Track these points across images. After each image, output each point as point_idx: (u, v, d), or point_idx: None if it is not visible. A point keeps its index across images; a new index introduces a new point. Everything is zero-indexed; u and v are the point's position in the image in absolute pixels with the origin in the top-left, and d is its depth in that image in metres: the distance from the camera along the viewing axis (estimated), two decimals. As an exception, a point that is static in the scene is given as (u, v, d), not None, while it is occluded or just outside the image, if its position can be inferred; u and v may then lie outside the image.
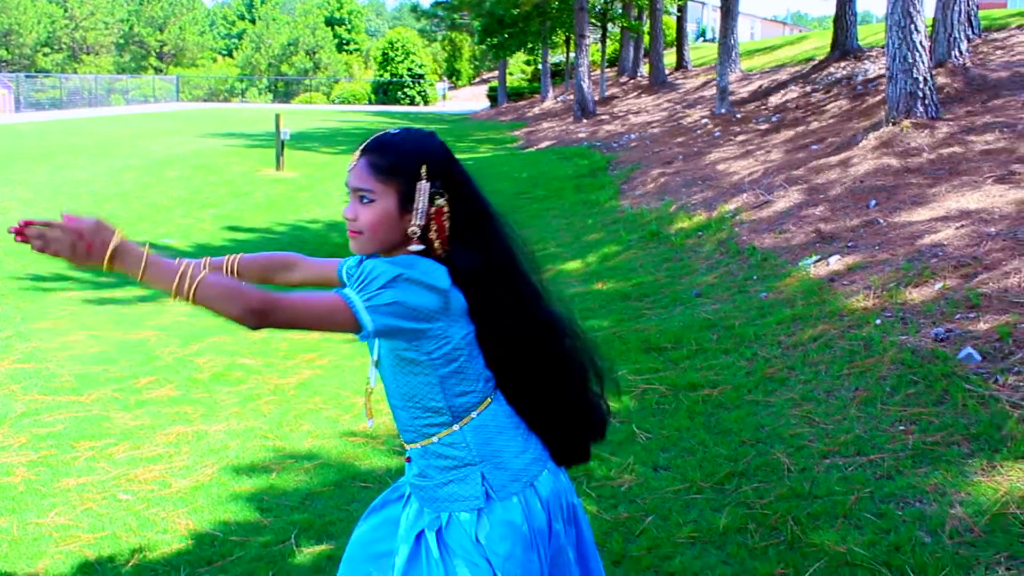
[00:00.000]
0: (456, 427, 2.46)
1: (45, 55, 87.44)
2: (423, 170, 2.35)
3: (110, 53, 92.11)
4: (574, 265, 10.89)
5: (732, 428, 5.44)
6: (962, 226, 7.58)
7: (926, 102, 11.09)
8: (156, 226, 15.24)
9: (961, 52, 14.12)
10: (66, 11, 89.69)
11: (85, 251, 2.14)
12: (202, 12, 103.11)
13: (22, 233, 2.16)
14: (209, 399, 6.58)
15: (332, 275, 2.76)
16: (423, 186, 2.34)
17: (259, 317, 2.18)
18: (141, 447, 5.68)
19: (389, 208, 2.35)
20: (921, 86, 11.06)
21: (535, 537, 2.44)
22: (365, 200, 2.35)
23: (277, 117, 22.43)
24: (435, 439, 2.47)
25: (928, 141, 10.39)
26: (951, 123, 10.85)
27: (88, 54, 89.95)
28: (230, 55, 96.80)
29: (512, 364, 2.48)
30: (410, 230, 2.35)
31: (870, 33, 25.89)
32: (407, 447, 2.55)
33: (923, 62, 10.99)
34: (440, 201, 2.36)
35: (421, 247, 2.36)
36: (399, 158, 2.36)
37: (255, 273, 2.83)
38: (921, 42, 10.98)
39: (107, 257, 2.14)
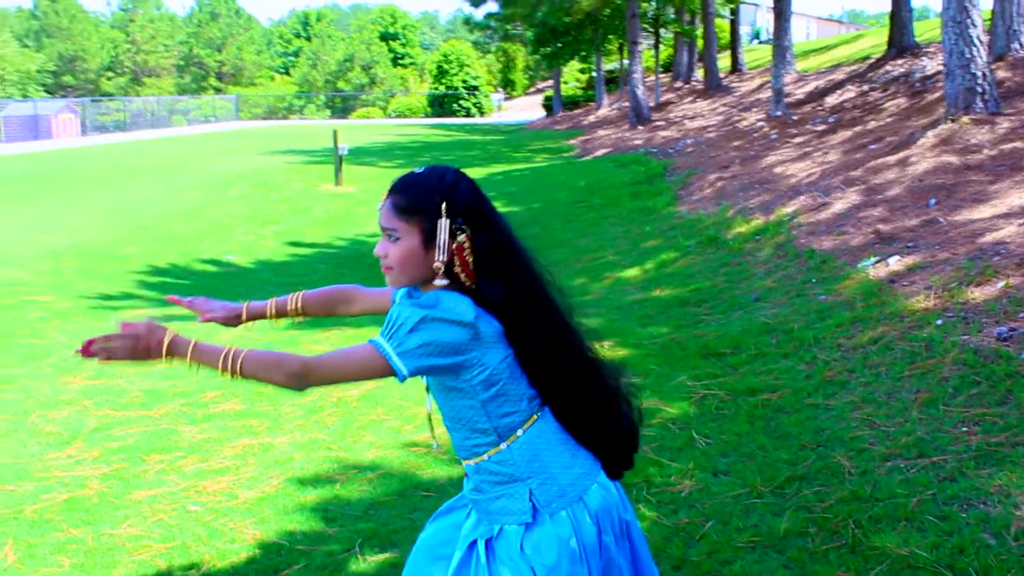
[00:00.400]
0: (503, 446, 2.56)
1: (109, 79, 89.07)
2: (443, 207, 2.45)
3: (171, 75, 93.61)
4: (632, 272, 10.89)
5: (792, 432, 5.42)
6: (1025, 223, 7.49)
7: (985, 97, 10.96)
8: (219, 243, 15.44)
9: (1021, 45, 13.94)
10: (128, 35, 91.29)
11: (145, 351, 2.47)
12: (259, 31, 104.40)
13: (88, 350, 2.44)
14: (274, 412, 6.69)
15: (388, 303, 2.87)
16: (443, 223, 2.44)
17: (300, 380, 2.41)
18: (209, 460, 5.79)
19: (414, 245, 2.46)
20: (979, 81, 10.94)
21: (584, 551, 2.51)
22: (393, 238, 2.47)
23: (335, 133, 22.71)
24: (485, 457, 2.58)
25: (988, 137, 10.27)
26: (1012, 118, 10.72)
27: (150, 76, 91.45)
28: (287, 73, 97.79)
29: (552, 382, 2.56)
30: (434, 266, 2.45)
31: (928, 29, 25.64)
32: (463, 463, 2.66)
33: (981, 57, 10.87)
34: (461, 237, 2.45)
35: (446, 281, 2.46)
36: (420, 197, 2.46)
37: (318, 308, 2.98)
38: (978, 36, 10.86)
39: (164, 352, 2.47)
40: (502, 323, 2.47)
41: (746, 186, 13.97)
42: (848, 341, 6.63)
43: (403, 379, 2.39)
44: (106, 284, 11.92)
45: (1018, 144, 9.78)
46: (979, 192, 8.77)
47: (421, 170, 2.53)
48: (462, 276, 2.48)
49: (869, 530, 4.18)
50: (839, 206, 10.31)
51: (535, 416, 2.56)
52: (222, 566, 4.41)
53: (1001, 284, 6.44)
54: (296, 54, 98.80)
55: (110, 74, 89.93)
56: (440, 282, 2.46)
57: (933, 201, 8.97)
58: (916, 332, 6.25)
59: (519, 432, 2.55)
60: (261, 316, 2.94)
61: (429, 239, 2.45)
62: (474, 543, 2.59)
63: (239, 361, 2.41)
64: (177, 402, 6.96)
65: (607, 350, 7.41)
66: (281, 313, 2.94)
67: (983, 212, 8.18)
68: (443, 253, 2.44)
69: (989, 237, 7.45)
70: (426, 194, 2.47)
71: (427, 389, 2.63)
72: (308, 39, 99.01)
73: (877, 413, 5.43)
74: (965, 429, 4.94)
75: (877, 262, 7.95)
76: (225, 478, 5.49)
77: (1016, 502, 4.16)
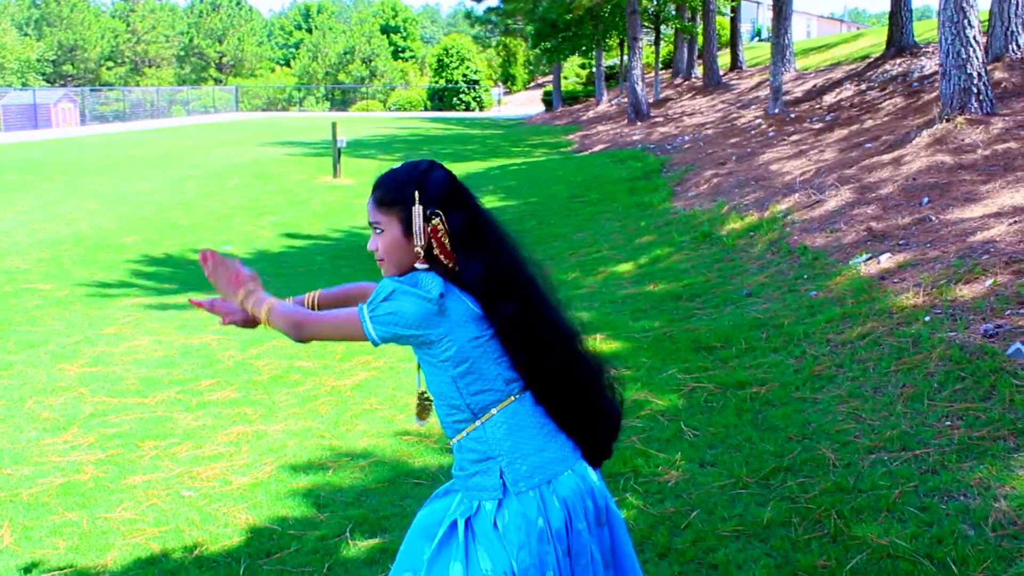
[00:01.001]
0: (478, 423, 2.69)
1: (108, 69, 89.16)
2: (416, 195, 2.62)
3: (171, 65, 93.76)
4: (626, 267, 10.96)
5: (779, 425, 5.50)
6: (1015, 222, 7.56)
7: (980, 98, 11.03)
8: (217, 233, 15.51)
9: (1019, 46, 13.99)
10: (128, 25, 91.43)
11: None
12: (260, 23, 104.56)
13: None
14: (268, 400, 6.78)
15: None
16: (416, 210, 2.61)
17: (297, 330, 2.72)
18: (203, 446, 5.88)
19: (396, 235, 2.65)
20: (975, 82, 11.00)
21: (551, 532, 2.61)
22: (378, 231, 2.67)
23: (334, 125, 22.81)
24: (464, 434, 2.72)
25: (982, 137, 10.34)
26: (1007, 118, 10.79)
27: (150, 67, 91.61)
28: (287, 65, 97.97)
29: (534, 365, 2.67)
30: (415, 250, 2.63)
31: (928, 28, 25.70)
32: (450, 442, 2.79)
33: (977, 57, 10.93)
34: (435, 221, 2.60)
35: (426, 265, 2.63)
36: (396, 189, 2.65)
37: (336, 304, 3.07)
38: (975, 37, 10.92)
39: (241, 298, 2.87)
40: (482, 304, 2.60)
41: (742, 183, 14.04)
42: (837, 336, 6.70)
43: (375, 343, 2.62)
44: (104, 273, 12.03)
45: (1012, 144, 9.86)
46: (971, 192, 8.84)
47: (398, 166, 2.72)
48: (442, 258, 2.63)
49: (851, 520, 4.25)
50: (833, 203, 10.38)
51: (512, 397, 2.67)
52: (215, 550, 4.49)
53: (989, 282, 6.51)
54: (297, 46, 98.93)
55: (110, 64, 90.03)
56: (421, 266, 2.62)
57: (926, 200, 9.05)
58: (904, 328, 6.33)
59: (493, 411, 2.67)
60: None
61: (407, 228, 2.63)
62: (455, 523, 2.70)
63: (272, 313, 2.77)
64: (173, 390, 7.04)
65: (600, 343, 7.51)
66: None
67: (974, 211, 8.25)
68: (420, 238, 2.61)
69: (979, 236, 7.53)
70: (401, 186, 2.64)
71: (418, 367, 2.77)
72: (309, 31, 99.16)
73: (863, 407, 5.51)
74: (948, 423, 5.02)
75: (868, 259, 8.03)
76: (219, 464, 5.57)
77: (995, 494, 4.23)
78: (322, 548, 4.45)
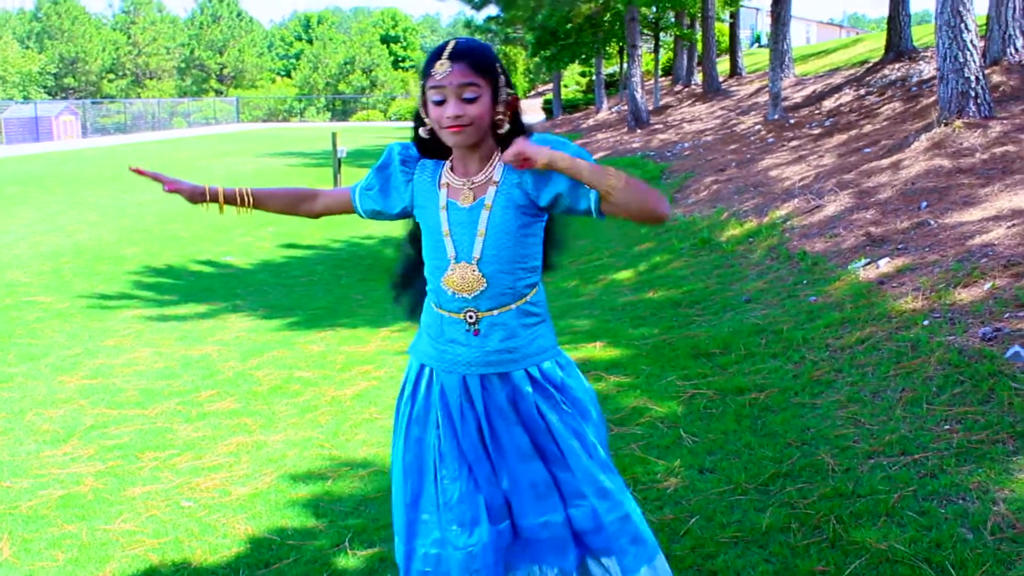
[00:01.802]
0: (539, 285, 3.01)
1: (110, 81, 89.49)
2: (498, 67, 2.87)
3: (172, 77, 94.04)
4: (626, 274, 10.97)
5: (778, 430, 5.49)
6: (1014, 225, 7.56)
7: (978, 101, 11.04)
8: (218, 245, 15.53)
9: (1017, 49, 14.01)
10: (129, 38, 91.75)
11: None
12: (260, 34, 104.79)
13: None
14: (268, 411, 6.78)
15: (347, 198, 3.20)
16: (503, 80, 2.87)
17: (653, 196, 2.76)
18: (203, 457, 5.89)
19: (489, 101, 2.84)
20: (973, 85, 11.01)
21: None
22: (469, 97, 2.79)
23: (334, 136, 22.88)
24: (528, 297, 2.94)
25: (981, 141, 10.34)
26: (1005, 122, 10.79)
27: (151, 79, 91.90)
28: (288, 75, 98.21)
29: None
30: (497, 118, 2.87)
31: (926, 33, 25.70)
32: (490, 313, 2.93)
33: (974, 61, 10.94)
34: (511, 91, 2.89)
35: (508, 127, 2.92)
36: (488, 60, 2.84)
37: (278, 204, 3.30)
38: (972, 41, 10.93)
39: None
40: None
41: (741, 189, 14.05)
42: (836, 341, 6.69)
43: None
44: (104, 285, 12.08)
45: (1010, 148, 9.86)
46: (969, 195, 8.84)
47: (468, 39, 2.92)
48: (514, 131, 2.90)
49: (850, 525, 4.24)
50: (832, 209, 10.38)
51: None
52: (214, 561, 4.48)
53: (988, 285, 6.51)
54: (297, 56, 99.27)
55: (111, 76, 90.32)
56: (503, 130, 2.89)
57: (924, 204, 9.05)
58: (903, 333, 6.32)
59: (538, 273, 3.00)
60: (215, 201, 3.26)
61: (496, 96, 2.86)
62: (534, 401, 2.95)
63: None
64: (173, 401, 7.05)
65: (599, 350, 7.51)
66: (230, 202, 3.24)
67: (973, 215, 8.26)
68: (503, 106, 2.88)
69: (978, 239, 7.53)
70: (492, 58, 2.86)
71: (482, 240, 2.91)
72: (309, 42, 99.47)
73: (862, 412, 5.50)
74: (947, 427, 5.01)
75: (867, 264, 8.03)
76: (218, 475, 5.57)
77: (994, 498, 4.22)
78: (321, 558, 4.44)
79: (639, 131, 30.03)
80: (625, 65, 43.49)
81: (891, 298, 7.03)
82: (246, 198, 3.21)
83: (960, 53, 10.93)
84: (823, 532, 4.23)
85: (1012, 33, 14.05)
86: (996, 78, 13.00)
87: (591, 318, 8.82)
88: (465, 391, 2.94)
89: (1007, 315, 5.96)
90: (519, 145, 2.62)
